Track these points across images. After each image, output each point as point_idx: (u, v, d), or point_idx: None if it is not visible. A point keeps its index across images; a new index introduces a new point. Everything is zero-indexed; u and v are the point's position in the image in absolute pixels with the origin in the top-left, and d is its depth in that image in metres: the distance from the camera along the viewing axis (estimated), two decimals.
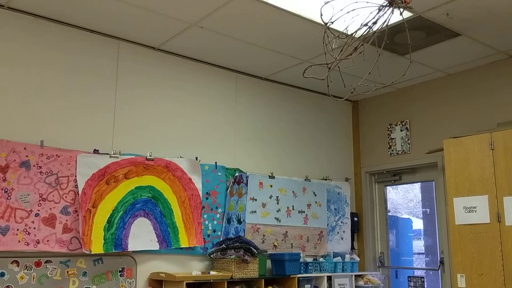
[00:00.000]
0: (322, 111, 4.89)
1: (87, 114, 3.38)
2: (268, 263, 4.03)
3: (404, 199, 5.11)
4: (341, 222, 4.72)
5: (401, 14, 2.46)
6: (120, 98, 3.55)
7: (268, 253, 4.03)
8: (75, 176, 3.20)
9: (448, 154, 3.71)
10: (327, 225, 4.59)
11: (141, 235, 3.42)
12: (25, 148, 3.04)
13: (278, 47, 3.76)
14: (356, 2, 2.33)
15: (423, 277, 4.41)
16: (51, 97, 3.24)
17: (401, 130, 4.68)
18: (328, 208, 4.63)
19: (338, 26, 2.65)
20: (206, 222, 3.79)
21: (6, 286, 2.89)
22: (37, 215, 3.03)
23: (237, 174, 4.05)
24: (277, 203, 4.26)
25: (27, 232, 2.97)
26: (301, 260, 4.09)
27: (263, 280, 3.74)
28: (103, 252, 3.20)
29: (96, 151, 3.33)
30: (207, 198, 3.82)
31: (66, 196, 3.16)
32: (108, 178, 3.33)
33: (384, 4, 2.28)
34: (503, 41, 3.67)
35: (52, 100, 3.24)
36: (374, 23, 2.31)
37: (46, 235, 3.04)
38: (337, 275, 4.23)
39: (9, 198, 2.94)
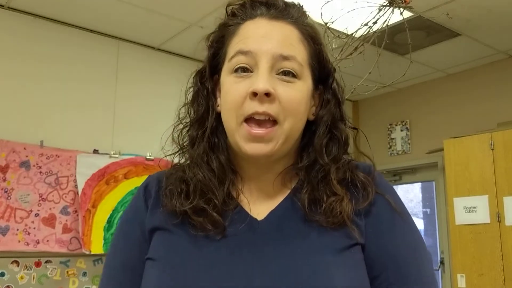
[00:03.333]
0: None
1: (87, 114, 3.37)
2: None
3: (404, 199, 5.10)
4: None
5: (401, 14, 2.45)
6: (120, 98, 3.55)
7: None
8: (75, 176, 3.20)
9: (448, 154, 3.70)
10: None
11: None
12: (25, 148, 3.04)
13: None
14: (356, 2, 2.33)
15: None
16: (51, 97, 3.23)
17: (401, 130, 4.68)
18: None
19: (338, 26, 2.64)
20: None
21: (6, 286, 2.89)
22: (37, 215, 3.02)
23: None
24: None
25: (27, 232, 2.97)
26: None
27: None
28: (103, 252, 3.20)
29: (95, 151, 3.33)
30: None
31: (65, 196, 3.16)
32: (108, 178, 3.33)
33: (384, 4, 2.28)
34: (503, 41, 3.67)
35: (52, 100, 3.24)
36: (374, 23, 2.31)
37: (46, 235, 3.04)
38: None
39: (9, 198, 2.94)
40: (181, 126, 0.88)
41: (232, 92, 0.77)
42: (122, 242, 0.84)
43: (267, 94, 0.74)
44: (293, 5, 0.84)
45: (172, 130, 0.88)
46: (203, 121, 0.84)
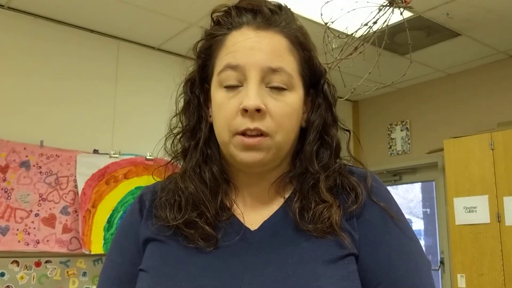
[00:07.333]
0: None
1: (87, 114, 3.37)
2: None
3: (404, 199, 5.11)
4: None
5: (401, 14, 2.45)
6: (119, 98, 3.55)
7: None
8: (75, 176, 3.20)
9: (448, 154, 3.70)
10: None
11: None
12: (25, 148, 3.04)
13: None
14: (356, 2, 2.33)
15: None
16: (50, 97, 3.23)
17: (401, 130, 4.68)
18: None
19: (338, 26, 2.64)
20: None
21: (6, 286, 2.89)
22: (37, 215, 3.02)
23: None
24: None
25: (27, 232, 2.97)
26: None
27: None
28: (103, 252, 3.20)
29: (95, 151, 3.33)
30: None
31: (65, 196, 3.16)
32: (108, 178, 3.33)
33: (384, 4, 2.28)
34: (503, 41, 3.67)
35: (52, 100, 3.24)
36: (374, 23, 2.31)
37: (46, 235, 3.04)
38: None
39: (9, 198, 2.94)
40: (173, 134, 0.88)
41: (224, 107, 0.76)
42: (116, 255, 0.84)
43: (258, 110, 0.74)
44: (280, 10, 0.81)
45: (164, 140, 0.88)
46: (195, 132, 0.84)
